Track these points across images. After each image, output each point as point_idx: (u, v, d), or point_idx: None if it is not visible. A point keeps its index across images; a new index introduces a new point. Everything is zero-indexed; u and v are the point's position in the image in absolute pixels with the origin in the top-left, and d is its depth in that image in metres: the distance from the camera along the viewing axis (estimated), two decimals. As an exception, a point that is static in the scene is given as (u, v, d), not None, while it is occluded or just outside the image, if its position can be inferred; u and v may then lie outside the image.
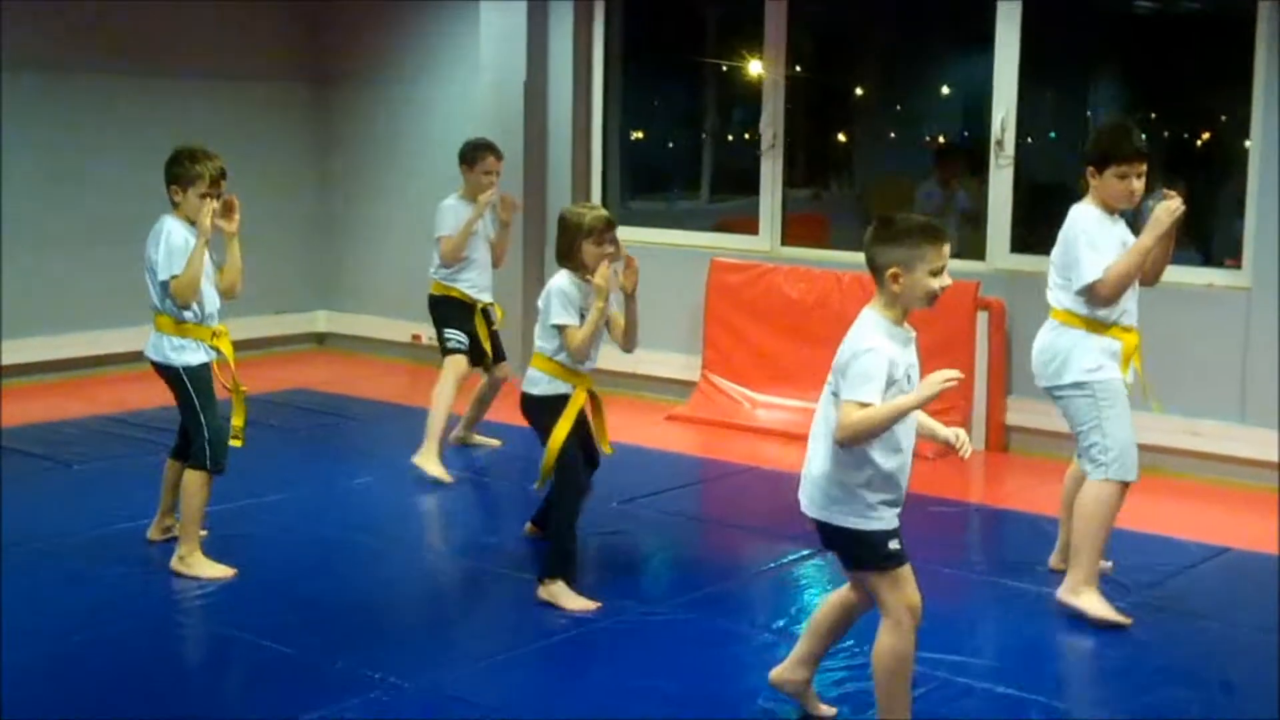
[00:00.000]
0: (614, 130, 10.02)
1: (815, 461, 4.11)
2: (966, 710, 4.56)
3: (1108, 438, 5.25)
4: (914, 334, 4.13)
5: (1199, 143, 8.88)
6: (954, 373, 3.90)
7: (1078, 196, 5.40)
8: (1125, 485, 5.31)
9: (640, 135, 10.45)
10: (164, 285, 5.56)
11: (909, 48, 9.90)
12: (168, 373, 5.68)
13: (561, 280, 5.51)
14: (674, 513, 6.83)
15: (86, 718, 4.39)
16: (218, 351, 5.70)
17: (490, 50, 9.83)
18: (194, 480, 5.68)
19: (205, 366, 5.68)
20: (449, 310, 7.40)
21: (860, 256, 4.14)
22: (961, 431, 4.10)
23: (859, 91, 10.53)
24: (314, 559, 6.02)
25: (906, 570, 4.08)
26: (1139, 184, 5.23)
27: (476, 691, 4.65)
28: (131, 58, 9.81)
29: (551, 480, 5.55)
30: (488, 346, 7.47)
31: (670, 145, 11.11)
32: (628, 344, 5.67)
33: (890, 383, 3.95)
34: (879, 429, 3.92)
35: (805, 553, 5.96)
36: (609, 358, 5.67)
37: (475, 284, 7.41)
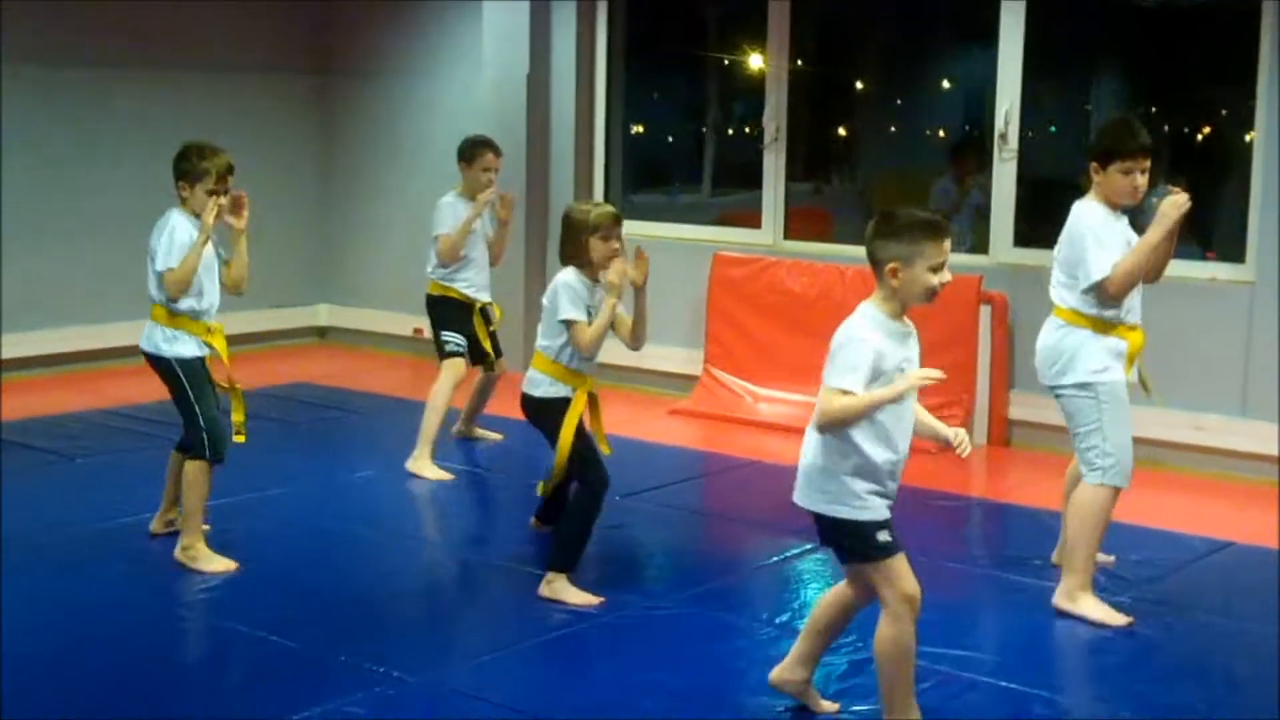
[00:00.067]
0: (616, 125, 10.01)
1: (807, 452, 4.15)
2: (970, 705, 4.56)
3: (1107, 442, 5.24)
4: (913, 330, 4.13)
5: (1200, 137, 8.87)
6: (934, 372, 3.94)
7: (1080, 191, 5.39)
8: (1118, 490, 5.31)
9: (641, 130, 10.44)
10: (160, 276, 5.57)
11: (911, 42, 9.89)
12: (160, 364, 5.67)
13: (568, 275, 5.47)
14: (676, 507, 6.83)
15: (88, 712, 4.39)
16: (210, 348, 5.70)
17: (493, 45, 9.83)
18: (194, 471, 5.68)
19: (198, 359, 5.67)
20: (447, 311, 7.35)
21: (863, 251, 4.14)
22: (962, 431, 4.12)
23: (860, 85, 10.51)
24: (316, 553, 6.02)
25: (900, 561, 4.09)
26: (1143, 180, 5.22)
27: (480, 686, 4.65)
28: (133, 51, 9.81)
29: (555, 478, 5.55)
30: (488, 346, 7.44)
31: (672, 140, 11.10)
32: (636, 341, 5.62)
33: (878, 375, 3.98)
34: (855, 417, 3.97)
35: (808, 547, 5.96)
36: (611, 352, 5.66)
37: (473, 283, 7.36)
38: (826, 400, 3.99)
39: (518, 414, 5.70)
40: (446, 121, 9.95)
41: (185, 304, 5.61)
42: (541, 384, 5.49)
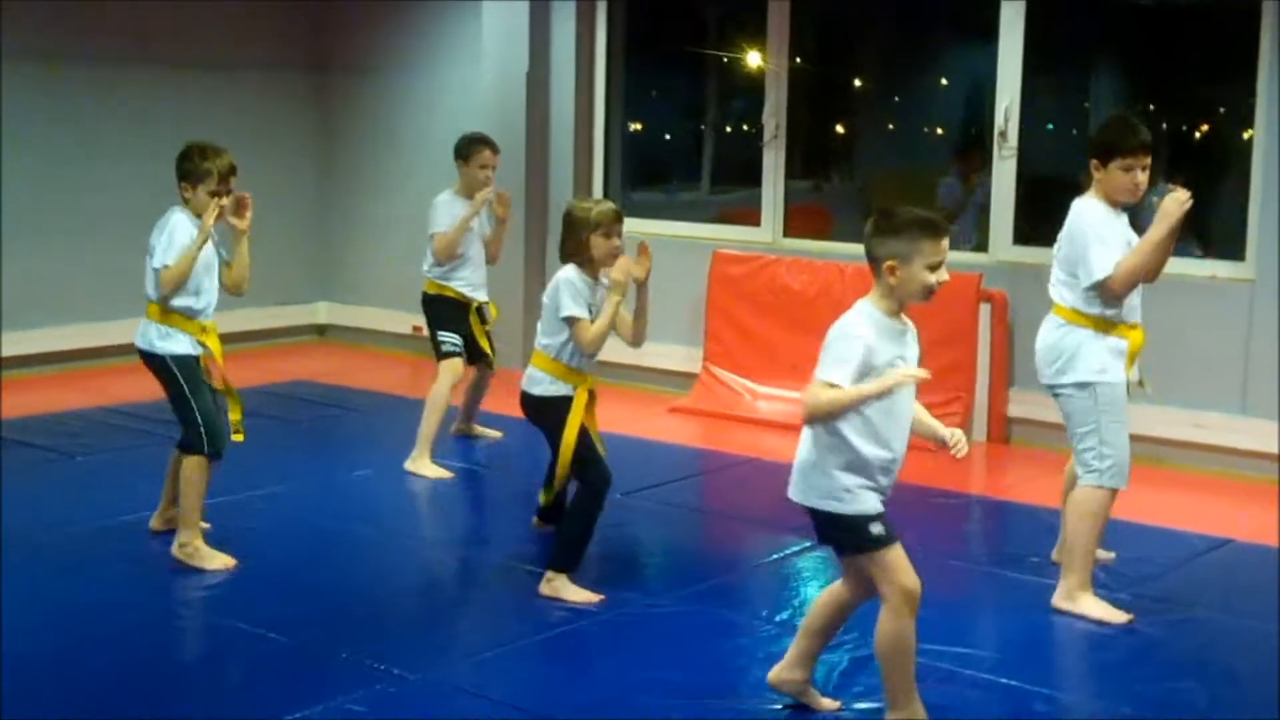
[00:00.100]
0: (616, 123, 10.01)
1: (801, 448, 4.18)
2: (971, 702, 4.57)
3: (1105, 444, 5.23)
4: (909, 327, 4.14)
5: (1197, 135, 8.87)
6: (918, 370, 3.96)
7: (1079, 189, 5.38)
8: (1116, 490, 5.31)
9: (641, 127, 10.44)
10: (156, 273, 5.56)
11: (910, 39, 9.88)
12: (154, 361, 5.66)
13: (569, 273, 5.45)
14: (676, 505, 6.83)
15: (89, 711, 4.39)
16: (204, 347, 5.69)
17: (492, 42, 9.83)
18: (192, 466, 5.66)
19: (193, 357, 5.66)
20: (443, 310, 7.31)
21: (862, 248, 4.15)
22: (959, 432, 4.14)
23: (860, 83, 10.51)
24: (317, 551, 6.02)
25: (897, 553, 4.09)
26: (1143, 177, 5.21)
27: (481, 683, 4.65)
28: (133, 49, 9.80)
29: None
30: (485, 346, 7.41)
31: (671, 138, 11.10)
32: (637, 338, 5.60)
33: (869, 371, 4.00)
34: (840, 410, 4.00)
35: (807, 544, 5.95)
36: (610, 350, 5.65)
37: (470, 282, 7.32)
38: (813, 392, 4.02)
39: (517, 412, 5.69)
40: (446, 119, 9.94)
41: (181, 302, 5.60)
42: (541, 382, 5.47)
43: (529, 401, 5.53)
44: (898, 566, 4.08)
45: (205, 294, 5.67)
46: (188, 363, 5.64)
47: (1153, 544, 6.19)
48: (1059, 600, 5.35)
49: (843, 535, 4.15)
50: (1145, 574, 5.80)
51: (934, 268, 4.05)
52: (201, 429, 5.64)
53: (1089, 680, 4.95)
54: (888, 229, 4.07)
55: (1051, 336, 5.34)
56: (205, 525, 5.89)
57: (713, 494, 7.36)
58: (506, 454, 7.60)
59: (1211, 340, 7.54)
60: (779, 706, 4.46)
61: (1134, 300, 5.28)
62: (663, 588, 5.64)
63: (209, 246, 5.64)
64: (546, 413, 5.47)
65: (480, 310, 7.39)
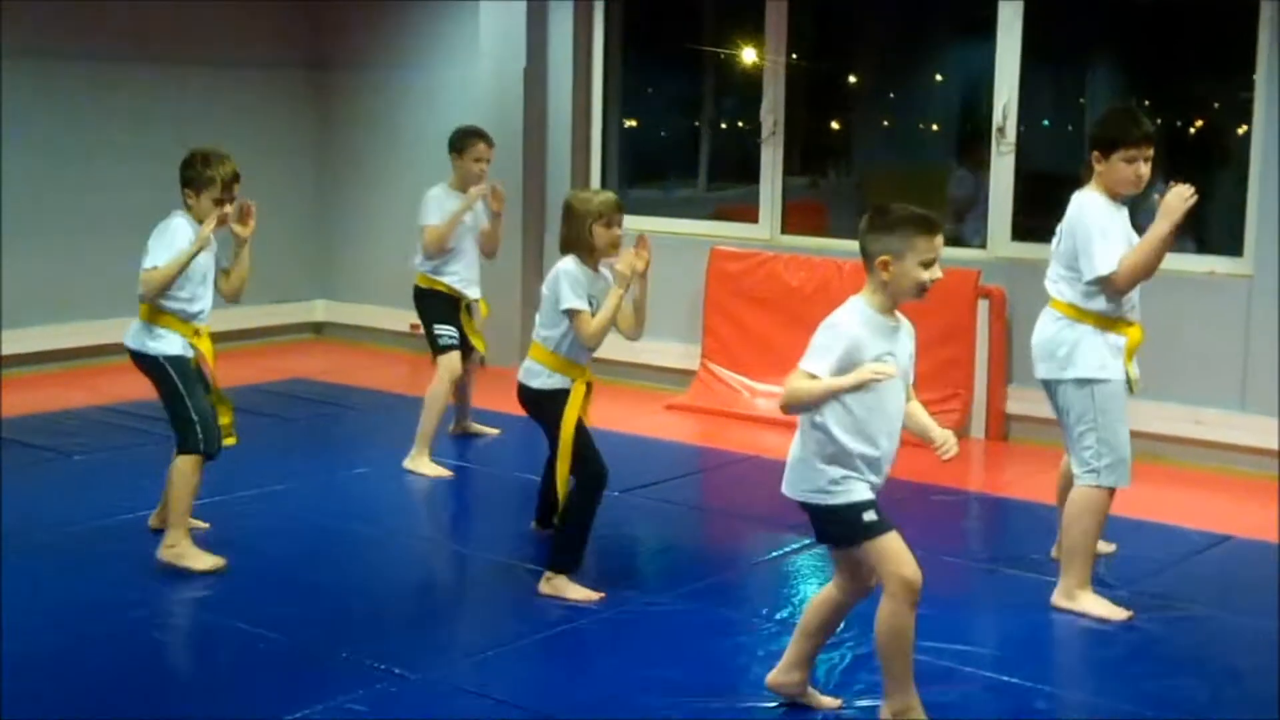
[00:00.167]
0: (613, 120, 10.01)
1: (793, 444, 4.20)
2: (972, 700, 4.57)
3: (1103, 443, 5.22)
4: (902, 324, 4.14)
5: (1192, 131, 8.87)
6: (884, 366, 3.95)
7: (1077, 184, 5.36)
8: (1114, 489, 5.30)
9: (637, 124, 10.43)
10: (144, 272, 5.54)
11: (907, 35, 9.88)
12: (146, 361, 5.63)
13: (569, 264, 5.41)
14: (674, 503, 6.82)
15: (88, 710, 4.38)
16: (196, 350, 5.67)
17: (490, 38, 9.82)
18: (186, 465, 5.62)
19: (185, 358, 5.62)
20: (436, 305, 7.26)
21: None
22: (948, 433, 4.13)
23: (857, 79, 10.51)
24: (316, 550, 6.01)
25: (893, 540, 4.09)
26: (1146, 169, 5.18)
27: (481, 682, 4.64)
28: (130, 45, 9.79)
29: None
30: (477, 341, 7.36)
31: (668, 134, 11.10)
32: (636, 330, 5.55)
33: (853, 365, 4.00)
34: (812, 400, 4.03)
35: (806, 542, 5.94)
36: (608, 347, 5.63)
37: (462, 277, 7.27)
38: (790, 381, 4.05)
39: (515, 409, 5.68)
40: (443, 116, 9.90)
41: (176, 305, 5.58)
42: (540, 374, 5.45)
43: (527, 394, 5.50)
44: (896, 554, 4.07)
45: (201, 300, 5.64)
46: (182, 362, 5.62)
47: (1152, 540, 6.19)
48: (1058, 599, 5.34)
49: (838, 528, 4.15)
50: (1144, 571, 5.80)
51: (927, 264, 4.05)
52: (198, 427, 5.62)
53: (1089, 677, 4.94)
54: (882, 225, 4.08)
55: (1050, 329, 5.30)
56: (205, 525, 5.89)
57: (711, 491, 7.35)
58: (505, 452, 7.59)
59: (1210, 336, 7.54)
60: (779, 704, 4.45)
61: (1133, 296, 5.25)
62: (662, 586, 5.63)
63: (208, 254, 5.62)
64: (545, 406, 5.44)
65: (469, 308, 7.34)
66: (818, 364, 4.01)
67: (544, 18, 9.73)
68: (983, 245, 8.43)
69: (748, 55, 9.55)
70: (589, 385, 5.49)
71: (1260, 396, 7.38)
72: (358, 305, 10.87)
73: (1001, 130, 8.22)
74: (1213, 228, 8.01)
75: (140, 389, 5.71)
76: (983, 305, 8.06)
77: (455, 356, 7.22)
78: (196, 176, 5.57)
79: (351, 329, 10.94)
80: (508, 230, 7.79)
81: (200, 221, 5.55)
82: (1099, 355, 5.20)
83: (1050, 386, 5.35)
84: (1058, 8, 8.39)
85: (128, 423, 7.88)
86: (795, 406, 4.08)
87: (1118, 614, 5.25)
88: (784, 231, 9.18)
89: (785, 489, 4.22)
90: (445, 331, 7.22)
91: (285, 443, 7.80)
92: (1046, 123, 9.22)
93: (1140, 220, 5.30)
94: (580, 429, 5.39)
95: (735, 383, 8.84)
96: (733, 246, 9.08)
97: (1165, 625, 5.24)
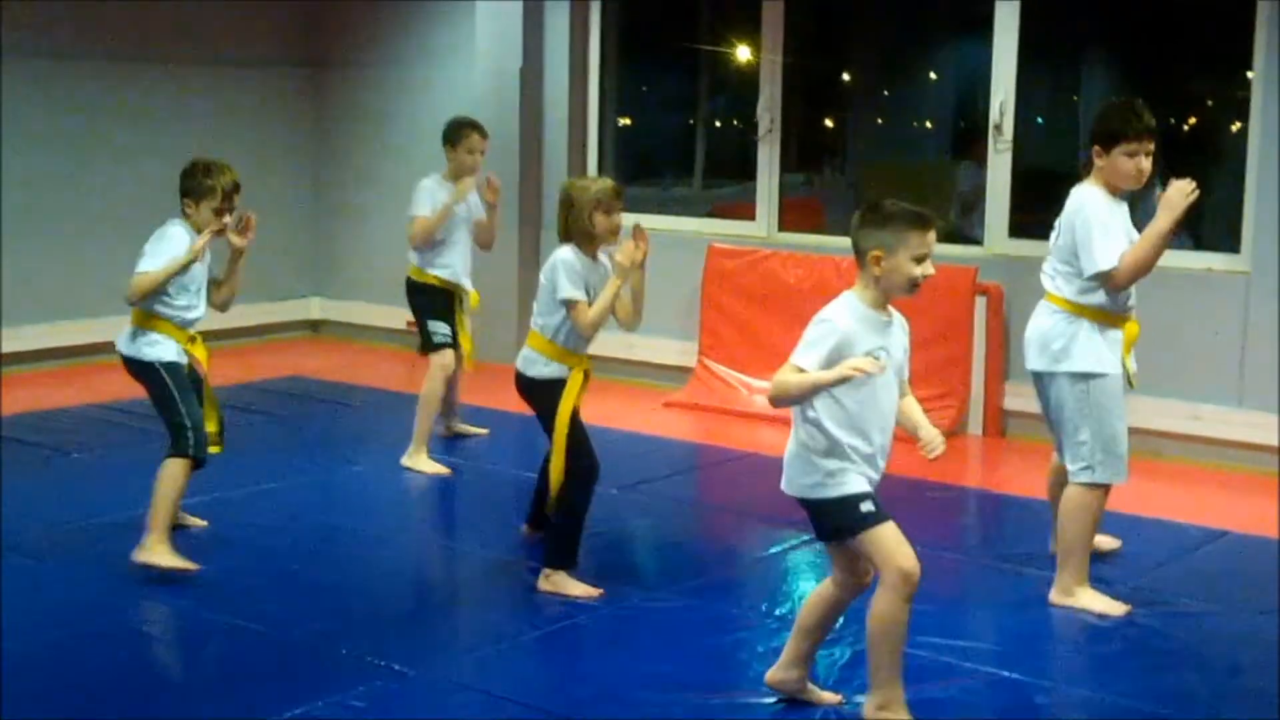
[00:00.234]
0: (609, 118, 10.01)
1: (790, 441, 4.21)
2: (972, 695, 4.57)
3: (1099, 439, 5.21)
4: (894, 319, 4.15)
5: (1186, 128, 8.88)
6: (864, 362, 3.94)
7: (1074, 180, 5.36)
8: (1109, 486, 5.30)
9: (633, 122, 10.43)
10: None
11: (903, 33, 9.90)
12: (138, 366, 5.59)
13: (566, 253, 5.38)
14: (672, 499, 6.83)
15: (88, 710, 4.38)
16: (190, 356, 5.65)
17: (486, 35, 9.81)
18: (175, 468, 5.57)
19: (179, 364, 5.59)
20: (430, 299, 7.22)
21: (857, 242, 4.16)
22: (935, 433, 4.15)
23: (853, 77, 10.52)
24: (315, 548, 6.01)
25: (891, 531, 4.09)
26: (1147, 163, 5.17)
27: (481, 678, 4.65)
28: (128, 45, 9.78)
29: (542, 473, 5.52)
30: (466, 336, 7.30)
31: (664, 132, 11.10)
32: (634, 320, 5.52)
33: (843, 359, 3.99)
34: (799, 393, 4.04)
35: (805, 538, 5.93)
36: (605, 344, 5.63)
37: (454, 269, 7.22)
38: (778, 375, 4.07)
39: (508, 406, 5.66)
40: (440, 115, 9.78)
41: (171, 311, 5.54)
42: (537, 363, 5.42)
43: (524, 382, 5.48)
44: (894, 545, 4.07)
45: (196, 308, 5.61)
46: (176, 367, 5.58)
47: (1150, 536, 6.19)
48: (1056, 596, 5.34)
49: (835, 520, 4.14)
50: (1142, 566, 5.81)
51: (920, 260, 4.05)
52: (189, 433, 5.57)
53: (1088, 672, 4.94)
54: (874, 220, 4.09)
55: (1046, 321, 5.28)
56: (203, 523, 5.88)
57: (709, 488, 7.36)
58: (502, 449, 7.58)
59: (1208, 333, 7.55)
60: (779, 700, 4.45)
61: (1130, 291, 5.26)
62: (661, 582, 5.64)
63: (203, 263, 5.60)
64: (541, 394, 5.42)
65: (461, 300, 7.28)
66: (807, 358, 4.02)
67: (540, 17, 9.73)
68: (980, 242, 8.43)
69: (743, 53, 9.56)
70: (587, 374, 5.48)
71: (1257, 392, 7.39)
72: (354, 303, 10.87)
73: (999, 128, 8.22)
74: (1210, 225, 8.02)
75: (136, 388, 5.70)
76: (980, 302, 8.07)
77: (449, 353, 7.18)
78: (197, 186, 5.54)
79: (348, 327, 10.93)
80: (503, 231, 7.77)
81: (199, 231, 5.52)
82: (1096, 349, 5.19)
83: (1042, 379, 5.33)
84: (1054, 6, 8.39)
85: (126, 421, 7.86)
86: (782, 399, 4.09)
87: (1115, 609, 5.25)
88: (781, 229, 9.18)
89: (784, 486, 4.22)
90: (439, 328, 7.19)
91: (282, 440, 7.79)
92: (1040, 120, 9.23)
93: (1140, 219, 5.28)
94: (575, 421, 5.38)
95: (733, 379, 8.84)
96: (729, 244, 9.08)
97: (1163, 620, 5.25)
